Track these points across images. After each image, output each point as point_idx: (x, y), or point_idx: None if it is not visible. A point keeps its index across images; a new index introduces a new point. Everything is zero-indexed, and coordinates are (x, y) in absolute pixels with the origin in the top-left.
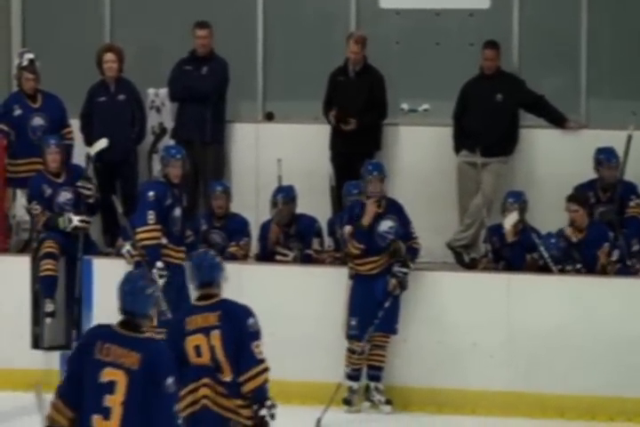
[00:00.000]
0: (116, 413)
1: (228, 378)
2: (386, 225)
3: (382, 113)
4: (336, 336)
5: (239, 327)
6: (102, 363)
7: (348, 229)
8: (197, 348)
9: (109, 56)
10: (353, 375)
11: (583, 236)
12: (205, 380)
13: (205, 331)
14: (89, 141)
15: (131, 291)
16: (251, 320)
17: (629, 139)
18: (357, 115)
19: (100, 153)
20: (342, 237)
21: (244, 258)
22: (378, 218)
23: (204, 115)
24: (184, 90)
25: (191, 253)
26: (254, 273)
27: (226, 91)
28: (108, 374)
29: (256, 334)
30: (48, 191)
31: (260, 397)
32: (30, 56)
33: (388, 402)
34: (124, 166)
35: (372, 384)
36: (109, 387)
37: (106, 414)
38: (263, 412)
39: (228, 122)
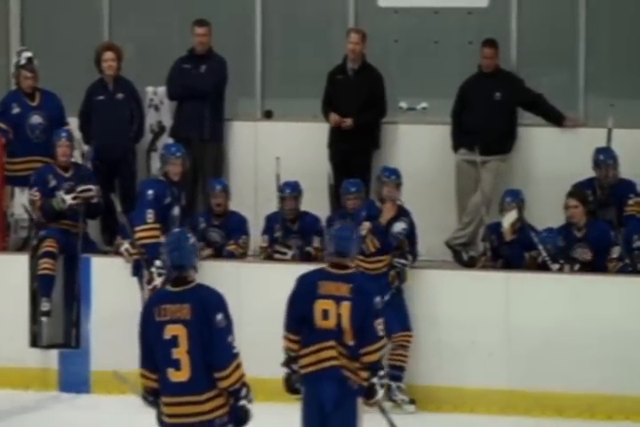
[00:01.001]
0: (185, 362)
1: (350, 342)
2: (399, 227)
3: (381, 111)
4: None
5: (367, 303)
6: (163, 322)
7: (366, 224)
8: (325, 312)
9: (109, 55)
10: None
11: (583, 234)
12: (331, 342)
13: (336, 299)
14: (87, 140)
15: (175, 247)
16: (377, 299)
17: (609, 133)
18: (356, 113)
19: (99, 152)
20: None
21: (242, 256)
22: (391, 220)
23: (203, 113)
24: (183, 88)
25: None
26: (253, 271)
27: (224, 89)
28: (170, 331)
29: (379, 312)
30: (52, 182)
31: (375, 368)
32: (28, 55)
33: (412, 402)
34: (123, 165)
35: (394, 384)
36: (173, 341)
37: (176, 365)
38: (374, 380)
39: (227, 120)
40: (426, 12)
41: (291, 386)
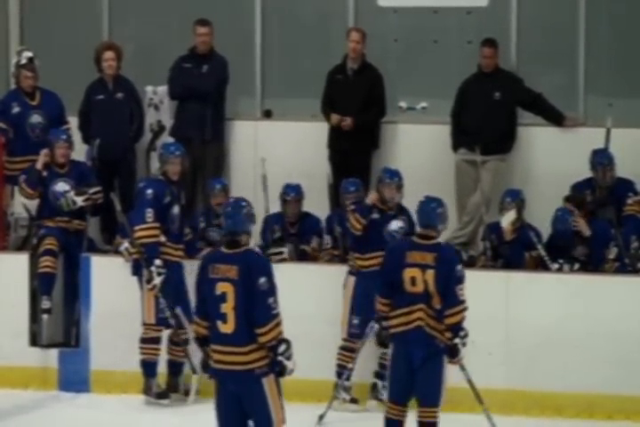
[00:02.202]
0: (230, 316)
1: (437, 306)
2: (396, 225)
3: (381, 111)
4: (332, 334)
5: (449, 271)
6: (215, 280)
7: (350, 207)
8: (413, 279)
9: (109, 54)
10: (340, 372)
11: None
12: (420, 305)
13: (422, 267)
14: (87, 139)
15: (231, 213)
16: (459, 266)
17: (608, 133)
18: (356, 113)
19: (99, 151)
20: (340, 234)
21: None
22: (389, 218)
23: (205, 113)
24: (184, 88)
25: None
26: None
27: (226, 89)
28: (220, 288)
29: (461, 279)
30: (37, 165)
31: (456, 329)
32: (29, 54)
33: None
34: (123, 164)
35: (381, 383)
36: (222, 297)
37: (224, 319)
38: (457, 340)
39: (227, 120)
40: (425, 12)
41: (381, 340)
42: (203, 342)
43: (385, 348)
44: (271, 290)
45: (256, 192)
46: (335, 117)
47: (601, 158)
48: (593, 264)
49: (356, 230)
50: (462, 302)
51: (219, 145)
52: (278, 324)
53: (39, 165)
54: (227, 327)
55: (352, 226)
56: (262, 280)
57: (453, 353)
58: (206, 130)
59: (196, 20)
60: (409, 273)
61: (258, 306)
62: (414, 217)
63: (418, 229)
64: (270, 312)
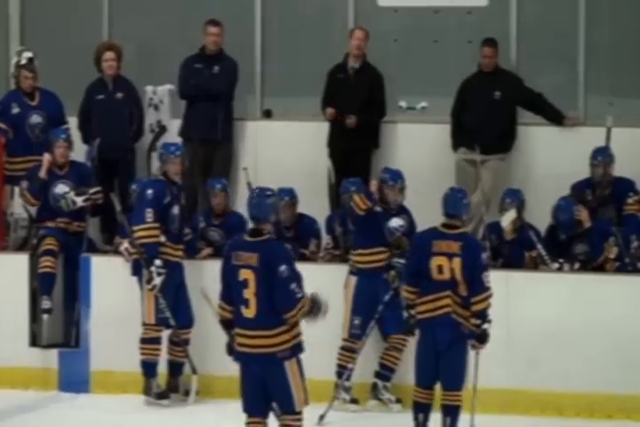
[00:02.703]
0: (252, 302)
1: (464, 293)
2: (397, 222)
3: (381, 112)
4: (333, 334)
5: (475, 259)
6: (237, 266)
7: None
8: (440, 267)
9: (109, 55)
10: (340, 372)
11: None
12: (448, 292)
13: (449, 255)
14: (87, 139)
15: (255, 202)
16: (484, 255)
17: (609, 132)
18: (357, 112)
19: (99, 151)
20: (340, 234)
21: None
22: (390, 214)
23: (216, 114)
24: (196, 88)
25: None
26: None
27: (234, 89)
28: (242, 274)
29: (487, 266)
30: (41, 174)
31: (483, 315)
32: (29, 55)
33: (398, 401)
34: (123, 164)
35: (381, 383)
36: (245, 283)
37: (246, 304)
38: (486, 326)
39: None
40: (425, 12)
41: (408, 328)
42: (227, 325)
43: (412, 336)
44: (292, 277)
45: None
46: (330, 111)
47: (594, 154)
48: (592, 258)
49: (360, 210)
50: (488, 288)
51: (228, 146)
52: (302, 308)
53: (43, 174)
54: (249, 312)
55: (356, 205)
56: (283, 268)
57: (482, 339)
58: (217, 131)
59: (207, 20)
60: (436, 262)
61: (281, 293)
62: (414, 217)
63: (444, 218)
64: (294, 298)
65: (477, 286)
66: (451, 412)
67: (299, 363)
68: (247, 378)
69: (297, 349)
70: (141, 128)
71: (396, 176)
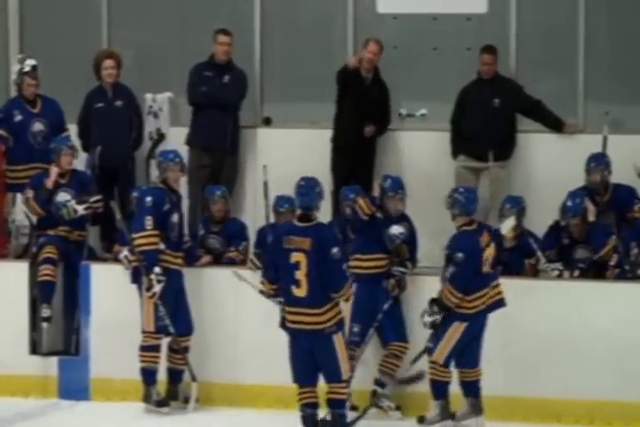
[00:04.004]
0: (304, 282)
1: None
2: (397, 230)
3: (387, 125)
4: None
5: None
6: (289, 250)
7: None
8: (486, 260)
9: (109, 63)
10: None
11: (583, 238)
12: (495, 282)
13: (488, 246)
14: (86, 147)
15: (304, 191)
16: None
17: (605, 141)
18: (369, 122)
19: (98, 159)
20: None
21: (243, 262)
22: (391, 221)
23: (226, 123)
24: (206, 96)
25: None
26: (252, 278)
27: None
28: (294, 257)
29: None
30: (48, 184)
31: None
32: (33, 62)
33: (398, 408)
34: (122, 172)
35: (381, 390)
36: (297, 265)
37: (297, 284)
38: None
39: None
40: (425, 19)
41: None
42: (273, 296)
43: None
44: (343, 258)
45: (256, 200)
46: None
47: (587, 160)
48: (594, 251)
49: (365, 214)
50: None
51: (235, 156)
52: (350, 285)
53: (50, 184)
54: (300, 292)
55: (361, 208)
56: (335, 250)
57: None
58: (227, 140)
59: (217, 30)
60: (486, 254)
61: (333, 273)
62: (416, 224)
63: (463, 220)
64: (344, 277)
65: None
66: None
67: (343, 337)
68: (297, 352)
69: (341, 324)
70: (141, 136)
71: (397, 186)
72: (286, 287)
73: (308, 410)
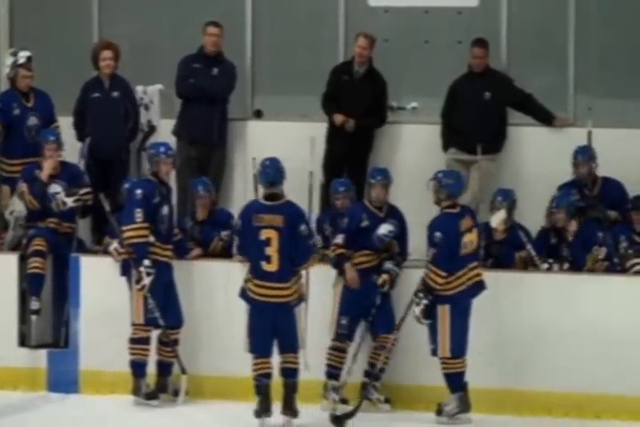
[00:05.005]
0: (274, 258)
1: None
2: (385, 229)
3: (382, 118)
4: (322, 334)
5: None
6: (259, 227)
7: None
8: (466, 243)
9: (106, 53)
10: (334, 374)
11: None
12: (475, 263)
13: (470, 230)
14: (81, 137)
15: (269, 167)
16: None
17: (589, 135)
18: (359, 116)
19: (92, 149)
20: (330, 233)
21: (223, 249)
22: (378, 222)
23: (213, 116)
24: (195, 89)
25: None
26: (242, 271)
27: (231, 93)
28: (265, 234)
29: None
30: (42, 177)
31: None
32: (27, 53)
33: (387, 401)
34: (117, 163)
35: (371, 383)
36: (267, 242)
37: (268, 259)
38: None
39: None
40: (416, 12)
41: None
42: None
43: (429, 320)
44: (311, 234)
45: (246, 193)
46: (339, 117)
47: (575, 154)
48: (574, 264)
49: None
50: None
51: (222, 149)
52: (314, 258)
53: (44, 177)
54: (271, 267)
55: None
56: (303, 227)
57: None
58: (214, 133)
59: (207, 22)
60: (466, 238)
61: (301, 248)
62: (406, 227)
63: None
64: (310, 252)
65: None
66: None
67: (302, 310)
68: (259, 323)
69: (302, 297)
70: (137, 127)
71: (378, 173)
72: (256, 263)
73: (264, 380)
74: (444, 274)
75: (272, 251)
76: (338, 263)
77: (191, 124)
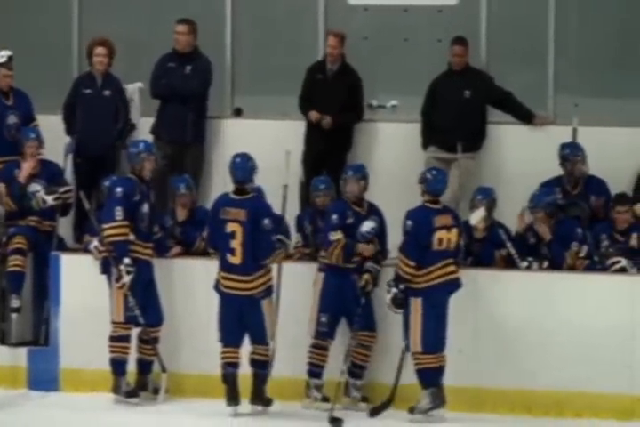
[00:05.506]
0: (238, 251)
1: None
2: (368, 226)
3: (359, 114)
4: (302, 332)
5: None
6: (225, 220)
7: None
8: (441, 240)
9: (100, 50)
10: (316, 372)
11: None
12: (450, 260)
13: (447, 228)
14: (70, 131)
15: (239, 166)
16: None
17: (574, 132)
18: (334, 114)
19: (78, 147)
20: (310, 232)
21: (204, 247)
22: (361, 219)
23: (186, 115)
24: (166, 88)
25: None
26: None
27: (208, 90)
28: (230, 227)
29: None
30: (20, 178)
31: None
32: (8, 53)
33: (364, 399)
34: (106, 161)
35: (352, 381)
36: (232, 235)
37: (232, 252)
38: None
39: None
40: (396, 10)
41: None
42: None
43: (401, 309)
44: (273, 229)
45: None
46: (314, 114)
47: (572, 150)
48: (553, 263)
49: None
50: None
51: (198, 147)
52: (279, 254)
53: (22, 178)
54: (235, 259)
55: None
56: (266, 221)
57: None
58: (187, 132)
59: (177, 20)
60: (438, 235)
61: (263, 243)
62: (385, 226)
63: (428, 197)
64: (272, 247)
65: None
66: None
67: (271, 303)
68: (227, 313)
69: (269, 290)
70: (125, 128)
71: (352, 169)
72: (223, 255)
73: (230, 369)
74: (412, 264)
75: (236, 244)
76: (351, 249)
77: (165, 122)
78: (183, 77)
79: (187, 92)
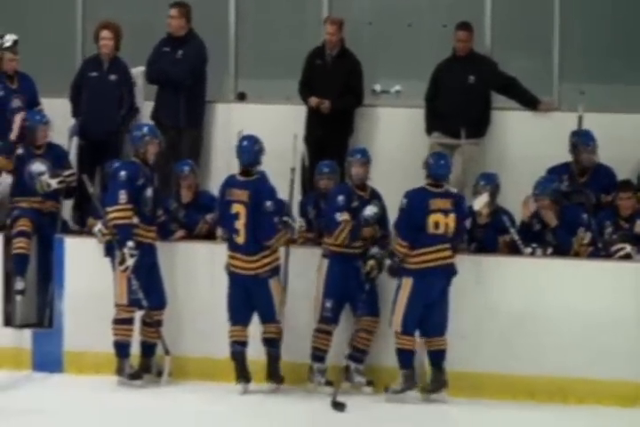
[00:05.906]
0: (242, 231)
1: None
2: (371, 210)
3: (358, 99)
4: (307, 317)
5: (464, 215)
6: (230, 201)
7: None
8: (437, 223)
9: (104, 33)
10: (319, 357)
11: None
12: (445, 245)
13: (444, 212)
14: (76, 112)
15: (246, 149)
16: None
17: (580, 120)
18: (333, 99)
19: (83, 130)
20: (314, 216)
21: (208, 232)
22: (365, 203)
23: (178, 101)
24: (158, 73)
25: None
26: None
27: (204, 73)
28: (234, 208)
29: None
30: (20, 151)
31: None
32: (14, 37)
33: (369, 383)
34: (109, 145)
35: (354, 366)
36: (236, 216)
37: (237, 233)
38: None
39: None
40: None
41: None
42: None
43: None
44: (275, 211)
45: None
46: (314, 100)
47: (584, 139)
48: (559, 249)
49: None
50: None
51: (194, 132)
52: (281, 236)
53: (13, 136)
54: (239, 239)
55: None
56: (268, 204)
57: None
58: (179, 118)
59: (170, 3)
60: (433, 218)
61: (264, 224)
62: (387, 200)
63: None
64: (273, 229)
65: (463, 235)
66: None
67: (279, 282)
68: (235, 292)
69: (276, 270)
70: (129, 113)
71: (355, 151)
72: (230, 235)
73: (238, 347)
74: (403, 243)
75: (240, 225)
76: (357, 232)
77: (161, 107)
78: (174, 62)
79: (176, 77)
